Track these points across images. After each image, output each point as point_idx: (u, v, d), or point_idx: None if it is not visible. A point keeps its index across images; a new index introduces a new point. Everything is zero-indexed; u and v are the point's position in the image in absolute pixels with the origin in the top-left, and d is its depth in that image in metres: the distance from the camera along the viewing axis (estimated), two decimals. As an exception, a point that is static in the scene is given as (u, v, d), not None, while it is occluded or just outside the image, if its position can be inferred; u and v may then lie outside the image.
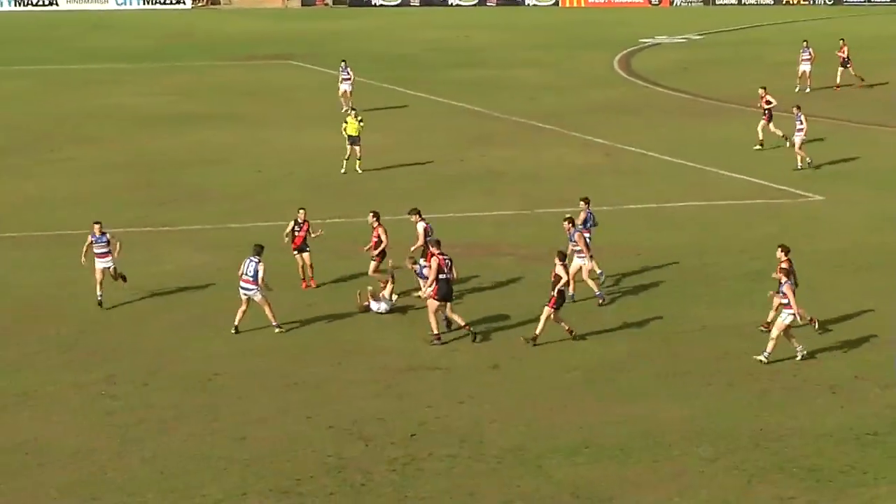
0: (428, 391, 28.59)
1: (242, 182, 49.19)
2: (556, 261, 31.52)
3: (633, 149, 55.92)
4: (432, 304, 31.70)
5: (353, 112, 51.50)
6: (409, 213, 35.92)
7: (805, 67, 69.94)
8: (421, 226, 35.12)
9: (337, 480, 24.25)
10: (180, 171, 51.20)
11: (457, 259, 38.92)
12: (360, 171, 50.33)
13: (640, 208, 45.22)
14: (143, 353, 30.76)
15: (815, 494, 23.90)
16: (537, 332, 31.20)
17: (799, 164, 50.69)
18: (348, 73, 64.66)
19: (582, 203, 37.13)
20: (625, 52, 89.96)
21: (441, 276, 31.66)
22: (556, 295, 31.11)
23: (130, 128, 60.66)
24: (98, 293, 34.28)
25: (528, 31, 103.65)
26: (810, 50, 69.67)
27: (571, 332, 31.70)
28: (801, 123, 50.98)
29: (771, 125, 54.29)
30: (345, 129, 50.60)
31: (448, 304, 31.93)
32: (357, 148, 50.42)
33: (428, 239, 34.47)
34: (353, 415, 27.22)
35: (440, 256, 31.92)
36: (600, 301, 34.83)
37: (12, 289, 35.75)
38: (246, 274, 32.34)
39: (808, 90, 68.81)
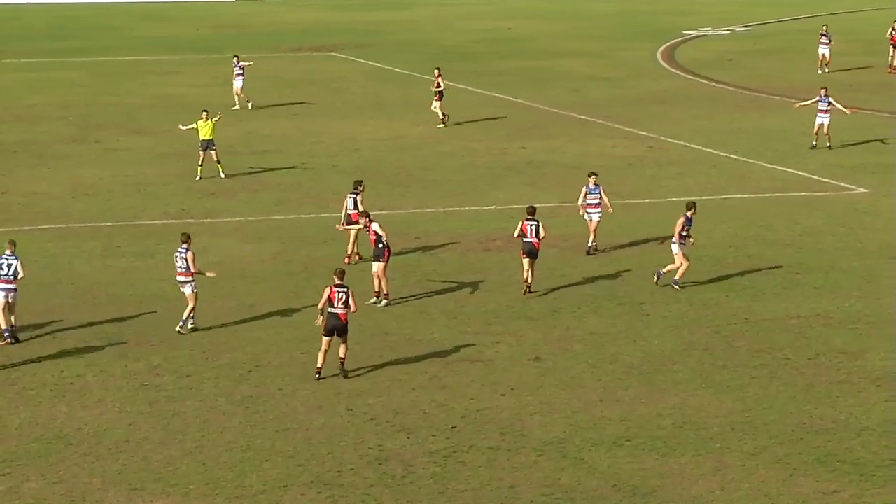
0: (469, 383, 28.31)
1: (289, 172, 49.06)
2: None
3: (676, 141, 55.53)
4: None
5: (205, 114, 48.18)
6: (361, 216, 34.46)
7: (824, 51, 71.84)
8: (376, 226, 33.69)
9: (378, 472, 24.01)
10: (229, 161, 51.03)
11: (499, 251, 38.81)
12: (222, 176, 48.06)
13: (683, 200, 44.68)
14: (187, 344, 30.62)
15: (858, 488, 23.48)
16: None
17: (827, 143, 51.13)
18: (241, 69, 63.18)
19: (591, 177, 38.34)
20: (668, 43, 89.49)
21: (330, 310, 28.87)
22: None
23: (182, 118, 60.55)
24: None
25: (572, 23, 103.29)
26: (829, 35, 72.01)
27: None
28: (827, 107, 51.25)
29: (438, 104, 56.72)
30: (195, 129, 48.25)
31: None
32: (213, 152, 47.85)
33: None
34: (395, 407, 26.97)
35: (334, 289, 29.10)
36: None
37: (70, 278, 35.70)
38: (179, 267, 31.36)
39: (825, 71, 70.51)
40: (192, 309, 31.37)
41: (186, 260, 31.23)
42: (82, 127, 58.30)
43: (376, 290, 33.74)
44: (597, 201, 38.29)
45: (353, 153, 52.72)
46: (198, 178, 47.68)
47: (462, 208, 43.84)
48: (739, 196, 45.87)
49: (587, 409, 27.04)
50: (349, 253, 36.90)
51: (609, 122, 59.97)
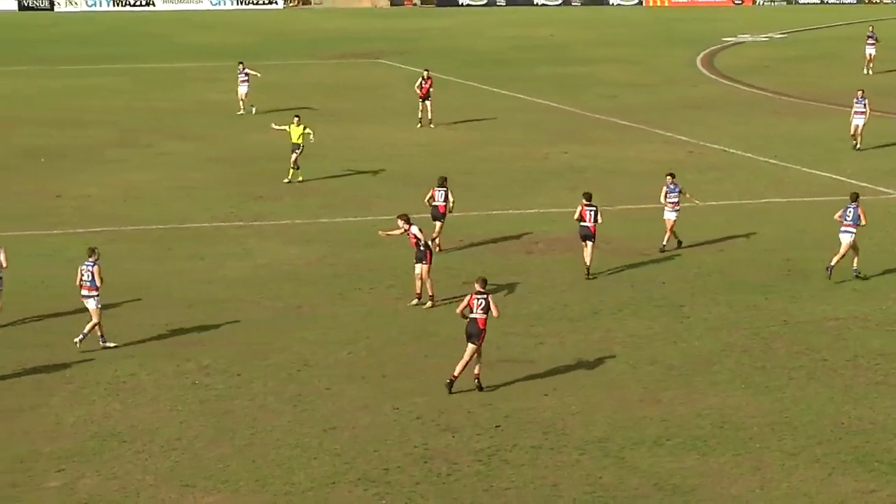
0: (513, 383, 28.47)
1: (332, 176, 49.30)
2: None
3: (715, 146, 55.57)
4: None
5: (297, 119, 48.95)
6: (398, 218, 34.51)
7: (871, 51, 72.09)
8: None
9: (424, 470, 24.20)
10: (273, 165, 51.38)
11: (539, 254, 38.98)
12: (299, 180, 48.42)
13: (722, 205, 44.87)
14: (237, 344, 30.85)
15: (896, 489, 23.58)
16: None
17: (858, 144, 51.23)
18: (245, 75, 63.57)
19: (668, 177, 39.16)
20: (707, 50, 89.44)
21: None
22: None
23: (225, 124, 61.05)
24: None
25: (611, 30, 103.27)
26: (875, 35, 72.21)
27: None
28: (863, 108, 51.39)
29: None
30: (287, 132, 48.74)
31: None
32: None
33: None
34: (440, 406, 27.15)
35: None
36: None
37: (122, 279, 35.94)
38: (84, 280, 30.37)
39: (870, 73, 70.58)
40: (96, 324, 30.29)
41: (92, 273, 30.26)
42: (129, 132, 58.68)
43: (418, 291, 33.94)
44: (676, 200, 38.67)
45: (394, 158, 52.94)
46: (287, 180, 48.13)
47: (504, 212, 44.02)
48: (778, 200, 45.91)
49: (628, 409, 27.19)
50: (436, 242, 37.48)
51: (648, 127, 60.02)
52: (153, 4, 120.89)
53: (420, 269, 33.73)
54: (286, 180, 48.14)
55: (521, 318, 32.93)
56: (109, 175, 49.56)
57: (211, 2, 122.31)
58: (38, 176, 49.36)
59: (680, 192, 39.06)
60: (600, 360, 30.00)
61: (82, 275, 30.54)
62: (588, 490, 23.43)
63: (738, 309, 33.80)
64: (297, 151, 48.12)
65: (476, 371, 28.05)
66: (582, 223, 36.27)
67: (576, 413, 26.89)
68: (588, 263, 36.29)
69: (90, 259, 30.62)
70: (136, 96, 69.11)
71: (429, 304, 33.77)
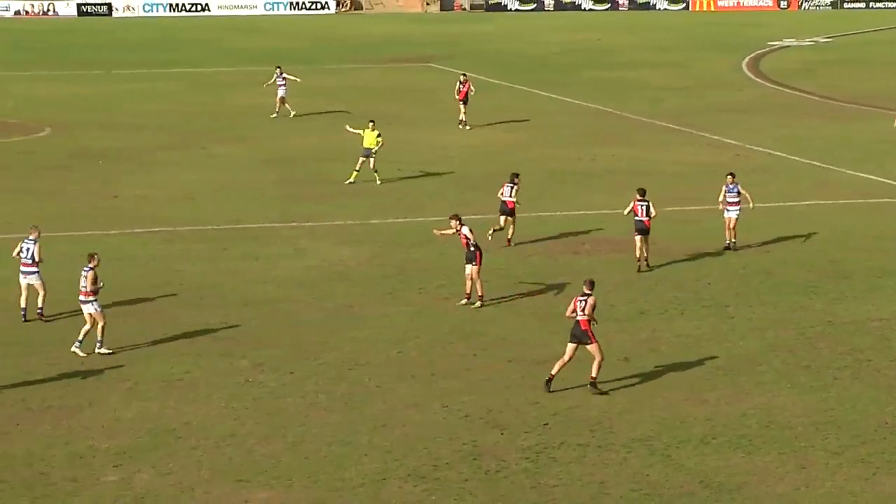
0: (560, 382, 28.38)
1: (383, 178, 49.33)
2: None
3: (760, 148, 55.37)
4: None
5: (371, 125, 48.91)
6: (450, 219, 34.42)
7: None
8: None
9: (472, 467, 24.18)
10: (324, 167, 51.58)
11: (586, 255, 38.91)
12: (378, 182, 48.46)
13: (767, 207, 44.66)
14: (289, 343, 30.92)
15: (941, 488, 23.41)
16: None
17: None
18: (283, 80, 63.62)
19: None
20: (753, 54, 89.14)
21: None
22: None
23: (277, 127, 61.26)
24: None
25: (658, 34, 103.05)
26: None
27: None
28: None
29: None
30: (361, 137, 48.72)
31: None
32: (371, 160, 48.23)
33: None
34: (489, 404, 27.14)
35: None
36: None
37: (178, 279, 36.15)
38: (80, 286, 30.02)
39: None
40: (102, 327, 29.88)
41: (87, 279, 29.94)
42: (183, 134, 58.98)
43: (468, 291, 33.92)
44: (735, 199, 38.78)
45: (444, 160, 52.98)
46: (350, 181, 48.25)
47: (551, 213, 43.98)
48: (823, 202, 45.67)
49: (674, 407, 27.10)
50: (639, 258, 37.42)
51: (693, 130, 59.87)
52: (208, 9, 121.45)
53: (470, 269, 33.71)
54: (348, 181, 48.22)
55: (568, 319, 32.79)
56: (165, 176, 49.81)
57: (264, 7, 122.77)
58: (96, 177, 49.67)
59: (738, 192, 39.04)
60: (647, 360, 29.91)
61: (81, 280, 30.21)
62: (635, 487, 23.37)
63: (782, 309, 33.64)
64: (372, 156, 48.16)
65: (593, 373, 27.91)
66: (636, 218, 36.96)
67: (623, 412, 26.83)
68: (644, 256, 36.99)
69: (89, 264, 30.24)
70: (191, 100, 69.43)
71: (478, 303, 33.75)
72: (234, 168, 51.65)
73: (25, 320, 32.36)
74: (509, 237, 39.44)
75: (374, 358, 29.95)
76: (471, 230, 33.83)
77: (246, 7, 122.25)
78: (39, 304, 32.51)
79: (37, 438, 25.22)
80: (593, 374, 27.90)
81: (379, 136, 48.33)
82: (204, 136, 58.43)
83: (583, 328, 27.74)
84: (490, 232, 38.84)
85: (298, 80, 65.14)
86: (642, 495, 23.09)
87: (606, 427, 26.01)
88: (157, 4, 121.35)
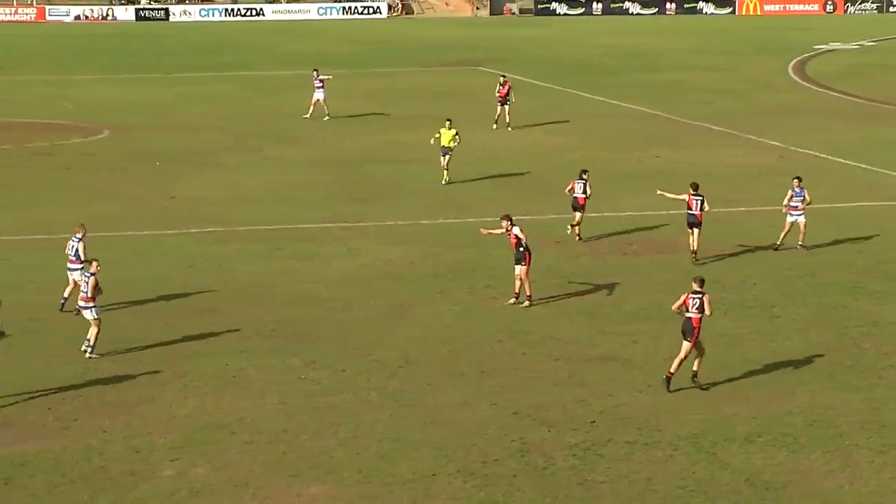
0: (608, 381, 28.38)
1: (434, 180, 49.39)
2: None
3: (805, 151, 55.05)
4: None
5: (448, 123, 49.07)
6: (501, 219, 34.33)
7: None
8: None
9: (521, 464, 24.18)
10: (377, 169, 51.67)
11: (633, 255, 38.81)
12: (444, 182, 48.59)
13: (813, 208, 44.29)
14: (341, 341, 30.97)
15: (985, 487, 23.21)
16: None
17: None
18: (320, 82, 63.67)
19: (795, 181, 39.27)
20: (799, 57, 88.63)
21: None
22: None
23: (330, 128, 61.40)
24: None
25: (704, 38, 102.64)
26: None
27: None
28: None
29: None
30: (438, 138, 48.82)
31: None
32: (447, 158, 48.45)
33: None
34: (537, 402, 27.12)
35: None
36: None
37: (233, 278, 36.29)
38: (81, 291, 29.89)
39: None
40: (97, 333, 29.51)
41: (87, 285, 29.71)
42: (239, 137, 59.19)
43: (516, 291, 33.85)
44: (800, 203, 38.73)
45: (493, 161, 52.96)
46: (444, 181, 48.45)
47: (599, 214, 43.78)
48: (868, 203, 45.37)
49: (719, 406, 26.99)
50: (576, 233, 38.93)
51: (739, 132, 59.60)
52: (262, 14, 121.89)
53: (519, 269, 33.66)
54: (444, 181, 48.39)
55: (616, 317, 32.83)
56: (220, 178, 50.01)
57: (317, 12, 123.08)
58: (154, 178, 49.92)
59: (804, 197, 38.86)
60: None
61: (82, 285, 30.06)
62: (681, 485, 23.30)
63: (827, 309, 33.45)
64: (448, 154, 48.28)
65: (695, 367, 27.94)
66: (689, 211, 37.66)
67: (669, 410, 26.74)
68: (695, 248, 37.77)
69: (89, 270, 30.04)
70: (246, 103, 69.67)
71: (526, 303, 33.70)
72: (289, 169, 51.80)
73: (62, 309, 32.67)
74: (578, 232, 40.15)
75: (425, 356, 29.97)
76: (522, 230, 33.75)
77: (299, 12, 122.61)
78: (64, 300, 32.86)
79: (95, 433, 25.39)
80: (695, 368, 27.97)
81: (456, 134, 48.56)
82: (259, 138, 58.63)
83: (694, 325, 27.69)
84: (568, 228, 39.86)
85: (331, 77, 65.22)
86: (688, 492, 23.02)
87: (653, 425, 25.93)
88: (213, 9, 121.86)
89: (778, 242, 39.15)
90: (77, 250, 32.68)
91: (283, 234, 41.24)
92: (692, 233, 37.83)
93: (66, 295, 32.84)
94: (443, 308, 33.59)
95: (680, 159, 53.28)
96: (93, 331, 29.59)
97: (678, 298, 28.15)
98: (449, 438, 25.24)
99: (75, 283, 32.38)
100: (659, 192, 39.21)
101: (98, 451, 24.54)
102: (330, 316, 32.86)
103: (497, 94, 61.48)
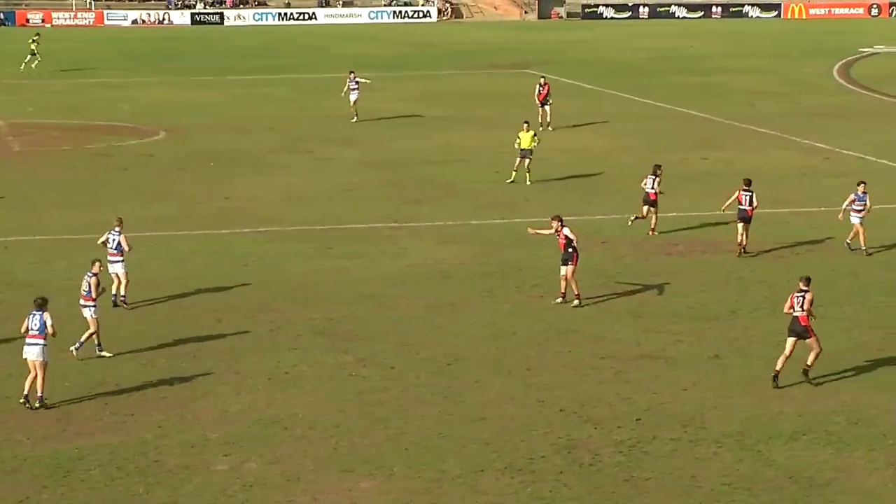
0: (653, 379, 28.29)
1: (482, 181, 49.42)
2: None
3: (851, 153, 54.69)
4: None
5: (526, 125, 49.42)
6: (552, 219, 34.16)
7: None
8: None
9: (567, 460, 24.13)
10: (427, 170, 51.70)
11: (678, 255, 38.67)
12: (529, 183, 48.62)
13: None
14: (391, 338, 31.00)
15: None
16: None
17: None
18: (356, 84, 63.71)
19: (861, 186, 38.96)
20: (844, 60, 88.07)
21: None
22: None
23: (382, 130, 61.51)
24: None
25: (750, 41, 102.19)
26: None
27: None
28: None
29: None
30: (518, 143, 48.86)
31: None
32: (527, 160, 48.54)
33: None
34: (583, 399, 27.06)
35: None
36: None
37: (285, 276, 36.39)
38: (82, 290, 29.39)
39: None
40: (93, 333, 29.25)
41: (90, 284, 29.34)
42: (291, 138, 59.38)
43: (562, 290, 33.72)
44: (862, 208, 38.64)
45: (541, 162, 52.75)
46: (510, 180, 48.48)
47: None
48: (912, 205, 45.07)
49: (764, 404, 26.85)
50: (740, 243, 38.40)
51: (784, 134, 59.29)
52: (315, 18, 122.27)
53: (565, 270, 33.54)
54: (509, 181, 48.47)
55: (661, 317, 32.71)
56: (273, 178, 50.16)
57: (368, 16, 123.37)
58: (208, 179, 50.15)
59: (868, 201, 38.76)
60: (738, 358, 29.66)
61: (83, 284, 29.70)
62: (725, 481, 23.19)
63: (870, 309, 33.22)
64: (529, 157, 48.30)
65: (809, 362, 27.85)
66: (739, 206, 38.01)
67: (713, 407, 26.63)
68: (743, 243, 38.10)
69: (92, 270, 29.68)
70: (299, 105, 69.87)
71: (575, 302, 33.51)
72: (340, 170, 51.91)
73: (115, 305, 33.06)
74: (652, 227, 40.60)
75: (473, 353, 29.96)
76: (572, 231, 33.61)
77: (351, 16, 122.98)
78: (122, 292, 33.21)
79: (151, 428, 25.52)
80: (809, 363, 27.85)
81: (535, 136, 48.59)
82: (311, 140, 58.80)
83: (802, 324, 27.62)
84: (631, 219, 40.67)
85: (368, 81, 65.18)
86: (733, 489, 22.91)
87: (698, 423, 25.83)
88: (267, 13, 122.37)
89: (848, 241, 38.90)
90: (119, 243, 32.99)
91: (334, 234, 41.32)
92: (741, 227, 38.17)
93: (114, 291, 33.14)
94: (491, 307, 33.57)
95: (725, 160, 53.04)
96: (89, 331, 29.30)
97: (788, 299, 27.99)
98: (496, 435, 25.22)
99: (117, 276, 32.89)
100: (730, 201, 38.90)
101: (153, 446, 24.67)
102: (380, 314, 32.90)
103: (537, 96, 61.49)
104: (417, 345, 30.51)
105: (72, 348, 29.20)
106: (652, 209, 40.71)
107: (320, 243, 40.06)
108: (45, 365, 26.02)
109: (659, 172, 40.70)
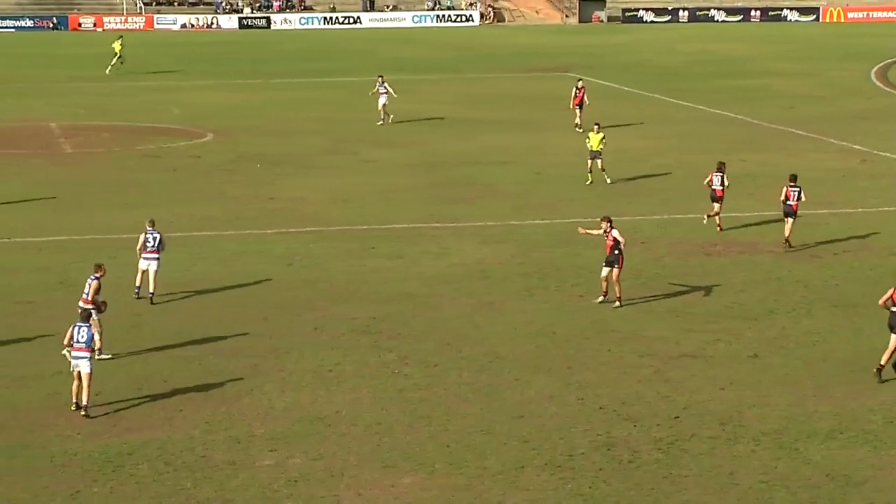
0: (691, 377, 28.16)
1: (523, 182, 49.35)
2: None
3: (888, 155, 54.29)
4: None
5: (596, 127, 49.40)
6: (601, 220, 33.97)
7: None
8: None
9: (606, 457, 24.04)
10: (468, 171, 51.66)
11: (717, 256, 38.49)
12: (608, 181, 48.78)
13: (894, 211, 43.83)
14: (433, 337, 30.97)
15: None
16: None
17: None
18: (385, 88, 63.59)
19: None
20: (882, 63, 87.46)
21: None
22: None
23: (425, 132, 61.51)
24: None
25: (789, 45, 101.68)
26: None
27: None
28: None
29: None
30: (588, 144, 48.94)
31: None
32: (599, 161, 48.62)
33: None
34: (622, 397, 26.97)
35: None
36: None
37: (329, 275, 36.44)
38: (84, 293, 29.19)
39: None
40: (100, 334, 27.94)
41: (90, 287, 29.12)
42: (337, 140, 59.46)
43: (604, 290, 33.55)
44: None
45: (582, 164, 52.59)
46: (588, 182, 48.59)
47: (684, 216, 43.58)
48: (949, 206, 44.69)
49: (801, 403, 26.69)
50: (787, 237, 39.09)
51: (823, 136, 58.95)
52: (359, 22, 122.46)
53: (607, 271, 33.21)
54: (588, 182, 48.55)
55: (699, 316, 32.57)
56: (318, 180, 50.24)
57: (412, 20, 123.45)
58: (254, 180, 50.27)
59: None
60: (775, 357, 29.50)
61: (85, 287, 29.33)
62: (763, 479, 23.06)
63: (909, 309, 32.91)
64: (599, 158, 48.28)
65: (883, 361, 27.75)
66: (787, 202, 38.76)
67: (751, 406, 26.48)
68: (788, 236, 38.78)
69: (96, 274, 29.42)
70: (344, 107, 69.95)
71: (616, 304, 33.30)
72: (383, 171, 51.93)
73: (152, 302, 33.34)
74: (718, 223, 41.10)
75: (513, 352, 29.91)
76: (620, 233, 33.34)
77: (395, 20, 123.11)
78: (151, 289, 33.41)
79: (198, 424, 25.59)
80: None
81: (603, 137, 48.56)
82: (355, 142, 58.86)
83: None
84: (705, 218, 41.13)
85: (395, 94, 64.57)
86: (770, 486, 22.78)
87: (736, 421, 25.69)
88: (313, 18, 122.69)
89: None
90: (159, 240, 33.40)
91: (377, 234, 41.35)
92: (787, 222, 38.81)
93: (137, 283, 33.58)
94: (531, 306, 33.50)
95: (765, 162, 52.79)
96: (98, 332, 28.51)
97: (885, 293, 27.88)
98: (536, 432, 25.17)
99: (148, 273, 33.30)
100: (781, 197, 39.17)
101: (200, 441, 24.74)
102: (422, 313, 32.89)
103: (573, 99, 61.37)
104: (459, 343, 30.48)
105: (102, 356, 28.07)
106: (718, 206, 41.05)
107: (363, 243, 40.09)
108: (90, 376, 25.94)
109: (724, 169, 41.13)
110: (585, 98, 61.19)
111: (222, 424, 25.59)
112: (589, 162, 48.46)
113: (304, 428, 25.44)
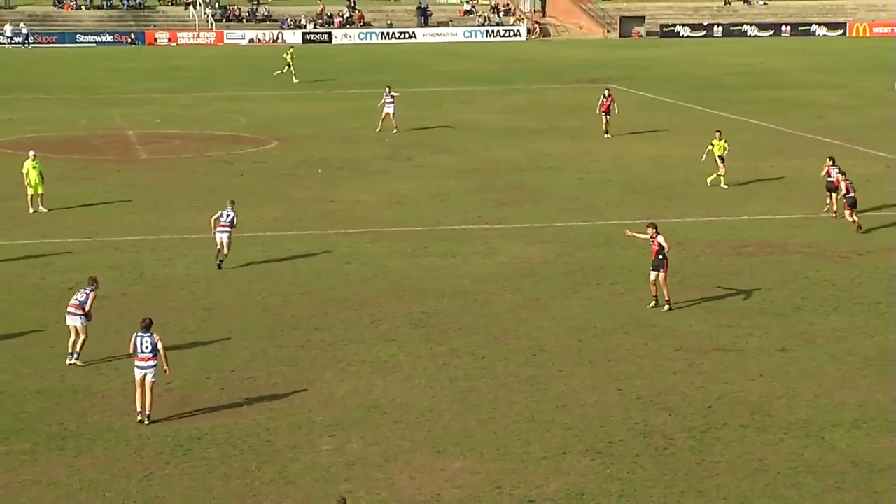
0: (724, 369, 28.06)
1: (568, 186, 49.27)
2: None
3: (911, 160, 53.83)
4: None
5: (718, 134, 49.00)
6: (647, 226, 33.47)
7: None
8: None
9: (643, 444, 24.00)
10: (516, 176, 51.61)
11: (748, 256, 38.29)
12: (725, 187, 48.37)
13: (917, 213, 43.52)
14: (482, 331, 31.01)
15: None
16: None
17: None
18: (391, 97, 63.36)
19: None
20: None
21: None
22: None
23: (476, 139, 61.49)
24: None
25: (818, 58, 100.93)
26: None
27: None
28: None
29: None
30: (712, 150, 48.75)
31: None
32: (721, 166, 48.46)
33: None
34: (659, 388, 26.91)
35: None
36: None
37: (384, 273, 36.53)
38: (77, 299, 28.45)
39: None
40: (84, 340, 28.25)
41: (87, 296, 28.37)
42: (394, 147, 59.56)
43: (654, 294, 32.92)
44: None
45: (623, 170, 52.65)
46: (723, 185, 48.40)
47: (718, 218, 43.39)
48: (970, 210, 44.26)
49: (828, 394, 26.54)
50: (835, 210, 41.75)
51: (851, 144, 58.49)
52: (414, 37, 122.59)
53: (654, 276, 32.86)
54: (709, 182, 48.69)
55: (731, 312, 32.42)
56: (375, 184, 50.35)
57: (463, 35, 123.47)
58: (315, 184, 50.44)
59: None
60: (803, 350, 29.34)
61: (79, 295, 28.59)
62: (791, 466, 22.95)
63: (931, 307, 32.71)
64: (722, 163, 48.27)
65: None
66: (828, 178, 41.62)
67: (780, 397, 26.36)
68: (835, 209, 41.54)
69: (89, 286, 28.64)
70: (401, 116, 69.92)
71: (666, 307, 32.95)
72: (437, 176, 51.97)
73: (220, 267, 36.06)
74: (835, 210, 41.98)
75: (557, 345, 29.90)
76: (665, 239, 33.04)
77: (448, 35, 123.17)
78: (223, 255, 36.38)
79: (263, 411, 25.74)
80: None
81: (725, 143, 48.47)
82: (411, 148, 58.93)
83: None
84: (825, 210, 42.57)
85: (398, 94, 64.85)
86: (798, 472, 22.67)
87: (765, 411, 25.58)
88: (371, 33, 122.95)
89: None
90: (232, 218, 36.49)
91: (430, 235, 41.41)
92: (830, 196, 41.53)
93: (219, 252, 36.37)
94: (574, 302, 33.47)
95: (795, 168, 52.47)
96: (82, 338, 28.28)
97: None
98: (578, 420, 25.16)
99: (223, 243, 36.22)
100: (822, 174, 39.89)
101: (265, 427, 24.88)
102: (472, 308, 32.91)
103: (601, 105, 61.48)
104: (506, 337, 30.50)
105: (74, 361, 28.18)
106: (836, 196, 41.85)
107: (417, 243, 40.15)
108: (153, 384, 25.41)
109: (835, 163, 42.42)
110: (614, 106, 61.26)
111: (285, 411, 25.72)
112: (719, 167, 48.22)
113: (361, 415, 25.55)
